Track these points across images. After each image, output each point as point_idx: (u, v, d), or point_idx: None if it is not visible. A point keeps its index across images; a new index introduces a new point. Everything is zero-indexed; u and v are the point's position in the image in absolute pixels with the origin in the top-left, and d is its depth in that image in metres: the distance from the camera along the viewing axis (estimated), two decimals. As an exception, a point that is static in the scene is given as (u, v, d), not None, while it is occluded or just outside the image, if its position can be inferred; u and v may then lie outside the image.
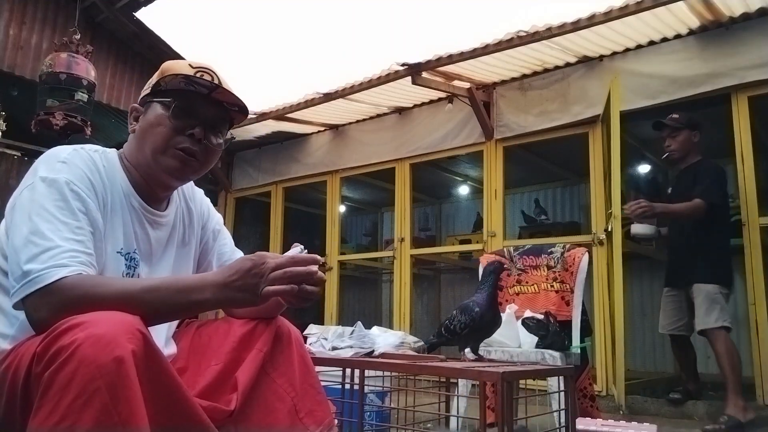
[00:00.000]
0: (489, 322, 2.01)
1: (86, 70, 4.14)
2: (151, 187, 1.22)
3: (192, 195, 1.39)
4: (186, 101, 1.18)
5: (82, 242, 1.02)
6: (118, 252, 1.14)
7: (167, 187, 1.24)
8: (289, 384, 1.19)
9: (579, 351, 2.79)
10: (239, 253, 1.43)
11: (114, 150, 1.24)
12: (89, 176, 1.10)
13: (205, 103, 1.19)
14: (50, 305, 0.93)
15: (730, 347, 2.99)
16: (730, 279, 3.15)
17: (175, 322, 1.31)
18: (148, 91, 1.22)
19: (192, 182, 1.41)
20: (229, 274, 1.02)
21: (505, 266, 2.20)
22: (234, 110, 1.24)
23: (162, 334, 1.23)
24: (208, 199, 1.45)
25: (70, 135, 4.11)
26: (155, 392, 0.88)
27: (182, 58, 5.57)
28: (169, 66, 1.21)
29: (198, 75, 1.17)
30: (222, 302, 1.04)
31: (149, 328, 1.03)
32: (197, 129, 1.17)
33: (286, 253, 1.09)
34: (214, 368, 1.18)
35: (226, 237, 1.44)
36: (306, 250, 1.12)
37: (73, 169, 1.08)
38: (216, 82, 1.18)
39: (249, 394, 1.14)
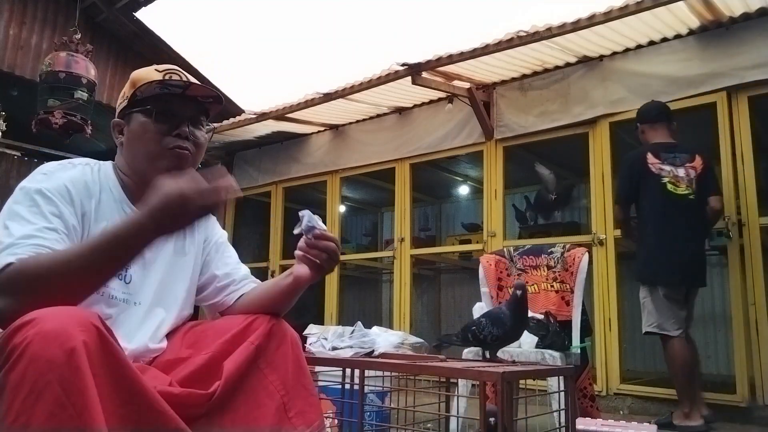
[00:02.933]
0: (514, 335, 2.09)
1: (86, 68, 4.14)
2: (147, 193, 1.24)
3: None
4: (164, 104, 1.23)
5: (44, 238, 1.05)
6: None
7: None
8: (281, 381, 1.18)
9: (579, 351, 2.79)
10: (244, 267, 1.47)
11: (110, 162, 1.30)
12: (68, 187, 1.15)
13: (182, 102, 1.25)
14: (2, 292, 0.95)
15: (670, 353, 2.95)
16: (650, 277, 3.08)
17: (167, 323, 1.31)
18: (125, 103, 1.28)
19: None
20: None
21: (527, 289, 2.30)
22: (209, 102, 1.30)
23: (148, 331, 1.25)
24: (213, 217, 1.49)
25: (71, 134, 4.11)
26: (113, 384, 0.89)
27: (182, 58, 5.61)
28: (140, 76, 1.26)
29: (167, 77, 1.24)
30: (156, 213, 1.01)
31: (128, 320, 1.13)
32: (182, 128, 1.23)
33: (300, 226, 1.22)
34: (202, 357, 1.18)
35: (231, 252, 1.48)
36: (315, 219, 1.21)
37: (51, 180, 1.14)
38: (184, 79, 1.25)
39: (236, 385, 1.13)
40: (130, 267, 1.21)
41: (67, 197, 1.14)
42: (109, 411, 0.87)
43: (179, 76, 1.25)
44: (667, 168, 3.10)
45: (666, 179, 3.08)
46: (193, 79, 1.26)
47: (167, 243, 1.32)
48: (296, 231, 1.23)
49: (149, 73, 1.26)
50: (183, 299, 1.35)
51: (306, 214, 1.22)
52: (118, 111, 1.31)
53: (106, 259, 1.00)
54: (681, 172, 3.08)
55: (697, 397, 2.94)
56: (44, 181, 1.13)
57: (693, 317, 3.07)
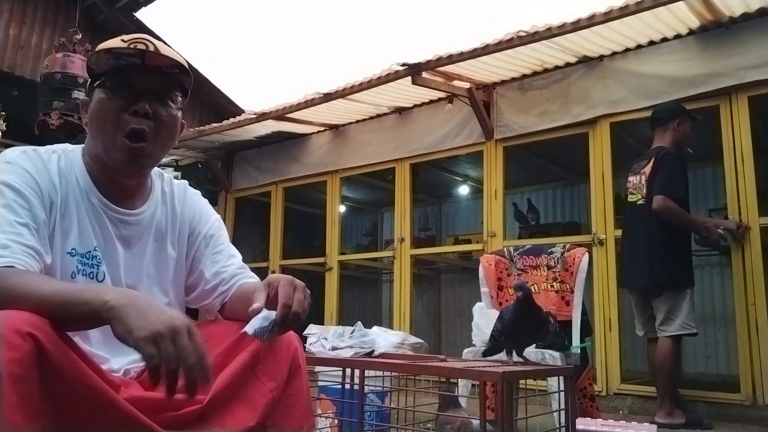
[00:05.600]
0: (521, 329, 1.99)
1: (82, 67, 4.12)
2: (114, 180, 1.17)
3: (182, 198, 1.31)
4: (121, 77, 1.11)
5: (20, 234, 1.00)
6: (68, 253, 1.11)
7: (130, 177, 1.18)
8: (275, 384, 1.12)
9: (579, 351, 2.79)
10: (237, 258, 1.35)
11: (79, 147, 1.20)
12: (35, 177, 1.08)
13: (143, 74, 1.11)
14: None
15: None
16: (622, 282, 3.45)
17: None
18: (89, 80, 1.17)
19: (185, 183, 1.35)
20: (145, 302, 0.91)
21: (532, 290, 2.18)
22: (176, 72, 1.15)
23: None
24: (204, 201, 1.37)
25: (77, 135, 4.10)
26: (57, 392, 0.84)
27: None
28: (99, 46, 1.13)
29: (131, 46, 1.09)
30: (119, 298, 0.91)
31: None
32: (140, 104, 1.10)
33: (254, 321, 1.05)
34: None
35: (222, 242, 1.34)
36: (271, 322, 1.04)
37: (16, 169, 1.07)
38: (151, 49, 1.10)
39: (231, 390, 1.07)
40: (102, 263, 1.14)
41: (36, 189, 1.07)
42: (51, 415, 0.83)
43: (144, 45, 1.09)
44: (630, 179, 3.28)
45: (629, 190, 3.27)
46: (161, 47, 1.12)
47: (145, 234, 1.23)
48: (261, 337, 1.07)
49: (111, 42, 1.11)
50: (167, 300, 1.26)
51: (255, 329, 1.06)
52: (87, 89, 1.19)
53: (58, 316, 0.89)
54: (637, 179, 3.22)
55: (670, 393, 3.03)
56: (10, 171, 1.05)
57: (673, 319, 3.00)
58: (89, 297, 0.90)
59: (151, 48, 1.10)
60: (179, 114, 1.19)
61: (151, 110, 1.11)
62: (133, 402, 0.94)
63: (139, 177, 1.21)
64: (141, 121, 1.10)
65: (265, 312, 1.05)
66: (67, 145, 1.19)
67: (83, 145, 1.20)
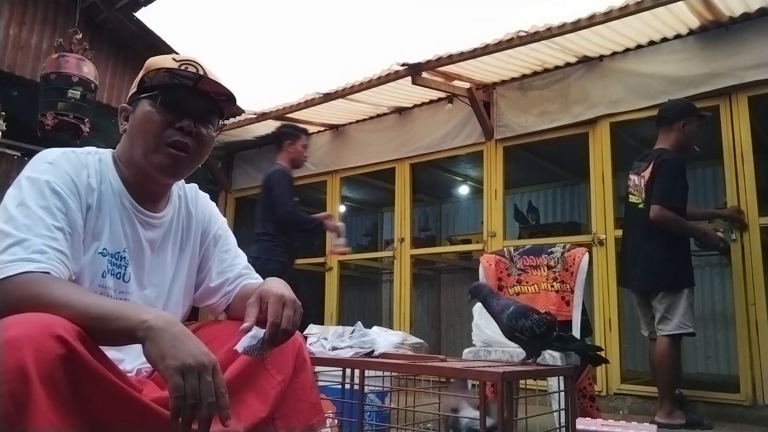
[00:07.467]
0: (501, 327, 1.99)
1: (77, 66, 4.06)
2: (144, 186, 1.22)
3: (195, 199, 1.38)
4: (172, 95, 1.17)
5: (56, 239, 1.02)
6: (99, 253, 1.14)
7: (160, 184, 1.24)
8: (283, 377, 1.16)
9: (579, 351, 2.78)
10: (242, 258, 1.41)
11: (110, 150, 1.25)
12: (73, 178, 1.11)
13: (192, 95, 1.18)
14: (6, 297, 0.93)
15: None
16: (622, 282, 3.46)
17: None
18: (135, 89, 1.22)
19: (196, 186, 1.41)
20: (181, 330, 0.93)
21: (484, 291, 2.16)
22: (222, 99, 1.22)
23: None
24: (213, 204, 1.44)
25: (80, 136, 4.08)
26: (84, 395, 0.85)
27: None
28: (153, 61, 1.20)
29: (182, 68, 1.16)
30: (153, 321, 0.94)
31: None
32: (186, 121, 1.16)
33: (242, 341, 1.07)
34: None
35: (229, 243, 1.40)
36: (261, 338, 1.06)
37: (57, 171, 1.10)
38: (201, 73, 1.17)
39: (243, 379, 1.11)
40: (129, 265, 1.18)
41: (74, 191, 1.10)
42: (79, 418, 0.84)
43: (195, 68, 1.17)
44: (632, 177, 3.27)
45: (630, 189, 3.27)
46: (211, 74, 1.19)
47: (167, 236, 1.27)
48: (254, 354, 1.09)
49: (164, 60, 1.19)
50: (180, 299, 1.30)
51: (245, 348, 1.07)
52: (128, 97, 1.24)
53: (91, 328, 0.92)
54: (637, 180, 3.22)
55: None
56: (51, 172, 1.09)
57: (670, 318, 2.99)
58: (127, 314, 0.93)
59: (201, 71, 1.17)
60: (215, 136, 1.26)
61: (195, 129, 1.18)
62: (155, 401, 0.96)
63: (168, 186, 1.27)
64: (185, 135, 1.17)
65: (254, 330, 1.08)
66: (98, 149, 1.23)
67: (113, 150, 1.25)
